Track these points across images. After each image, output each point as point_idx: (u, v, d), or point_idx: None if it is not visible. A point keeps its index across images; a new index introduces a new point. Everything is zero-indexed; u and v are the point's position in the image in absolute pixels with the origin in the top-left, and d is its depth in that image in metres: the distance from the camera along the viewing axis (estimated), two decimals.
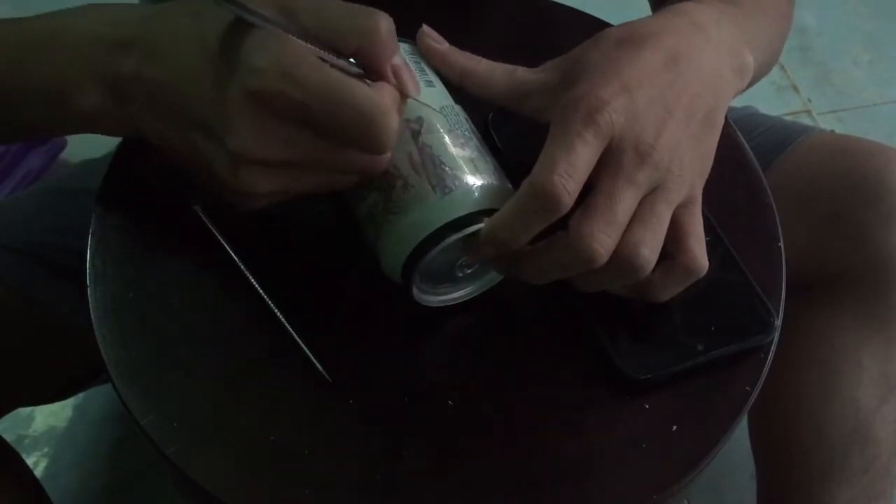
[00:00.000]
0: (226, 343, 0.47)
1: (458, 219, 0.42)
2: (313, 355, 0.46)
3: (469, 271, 0.46)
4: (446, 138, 0.44)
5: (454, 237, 0.42)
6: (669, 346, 0.47)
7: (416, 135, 0.44)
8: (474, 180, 0.43)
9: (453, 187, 0.43)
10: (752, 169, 0.55)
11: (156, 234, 0.50)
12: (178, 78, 0.42)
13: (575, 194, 0.40)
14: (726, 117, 0.56)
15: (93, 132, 0.47)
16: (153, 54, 0.43)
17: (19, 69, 0.46)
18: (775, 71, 1.43)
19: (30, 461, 1.00)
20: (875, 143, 0.70)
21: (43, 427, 1.03)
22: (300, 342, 0.46)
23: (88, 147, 0.54)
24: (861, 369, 0.67)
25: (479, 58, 0.49)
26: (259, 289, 0.46)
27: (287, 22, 0.41)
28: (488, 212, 0.42)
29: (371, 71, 0.42)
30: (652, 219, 0.42)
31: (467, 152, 0.44)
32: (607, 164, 0.42)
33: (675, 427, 0.45)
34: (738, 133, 0.56)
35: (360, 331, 0.48)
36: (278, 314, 0.46)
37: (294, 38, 0.40)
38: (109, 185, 0.51)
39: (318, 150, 0.41)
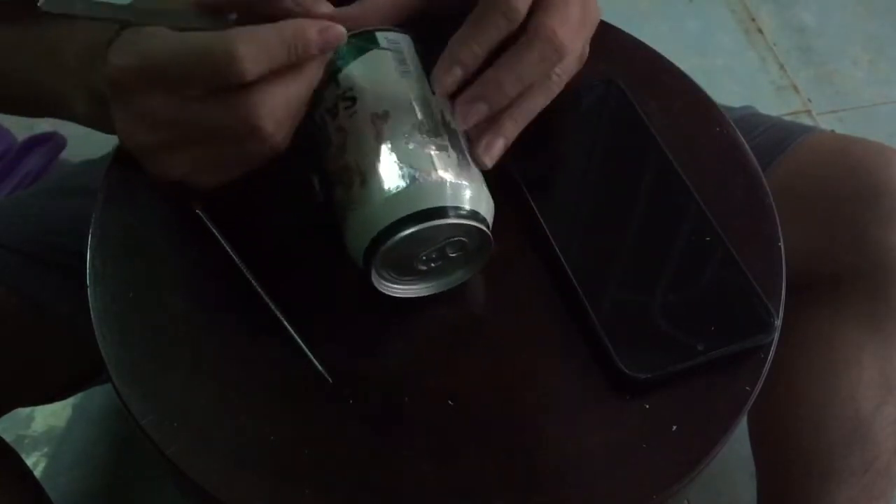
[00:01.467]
0: (226, 343, 0.47)
1: (412, 215, 0.43)
2: (313, 355, 0.46)
3: (433, 265, 0.46)
4: (408, 133, 0.44)
5: (407, 232, 0.42)
6: (669, 346, 0.47)
7: (378, 130, 0.44)
8: (427, 178, 0.43)
9: (405, 184, 0.43)
10: (752, 169, 0.55)
11: (156, 234, 0.50)
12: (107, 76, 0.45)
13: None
14: (726, 117, 0.56)
15: (97, 129, 0.51)
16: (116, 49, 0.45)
17: (31, 76, 0.53)
18: (775, 70, 1.43)
19: (30, 461, 1.00)
20: (875, 143, 0.70)
21: (43, 427, 1.03)
22: (300, 342, 0.46)
23: (88, 147, 0.55)
24: (861, 369, 0.67)
25: None
26: (259, 289, 0.46)
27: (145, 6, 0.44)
28: (440, 210, 0.43)
29: (273, 11, 0.44)
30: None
31: (428, 149, 0.44)
32: None
33: (675, 427, 0.45)
34: (738, 133, 0.56)
35: (360, 331, 0.48)
36: (278, 314, 0.46)
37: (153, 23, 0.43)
38: (109, 185, 0.51)
39: (189, 115, 0.43)
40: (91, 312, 0.47)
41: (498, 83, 0.46)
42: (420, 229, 0.43)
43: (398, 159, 0.44)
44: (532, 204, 0.51)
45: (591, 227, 0.52)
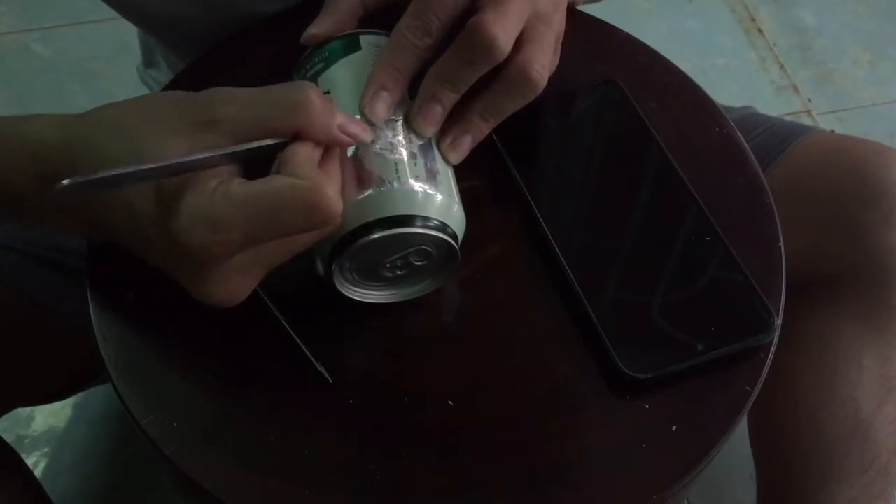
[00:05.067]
0: (226, 343, 0.47)
1: (378, 220, 0.42)
2: (313, 355, 0.46)
3: (399, 273, 0.46)
4: (379, 139, 0.44)
5: (372, 237, 0.42)
6: (669, 346, 0.47)
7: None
8: (394, 185, 0.43)
9: (371, 190, 0.43)
10: (752, 169, 0.55)
11: None
12: (121, 226, 0.42)
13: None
14: (726, 117, 0.56)
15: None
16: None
17: None
18: (775, 70, 1.43)
19: (30, 461, 1.00)
20: (875, 143, 0.70)
21: (43, 427, 1.03)
22: (300, 342, 0.46)
23: None
24: (861, 369, 0.67)
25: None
26: (259, 289, 0.46)
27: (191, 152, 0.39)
28: (407, 217, 0.43)
29: (319, 141, 0.41)
30: (539, 38, 0.46)
31: (398, 156, 0.44)
32: None
33: (675, 427, 0.45)
34: (738, 133, 0.56)
35: (360, 331, 0.48)
36: (278, 314, 0.46)
37: (205, 160, 0.39)
38: None
39: (276, 256, 0.42)
40: (91, 312, 0.47)
41: (441, 79, 0.45)
42: (385, 235, 0.42)
43: (367, 164, 0.43)
44: (532, 204, 0.51)
45: (590, 227, 0.52)
